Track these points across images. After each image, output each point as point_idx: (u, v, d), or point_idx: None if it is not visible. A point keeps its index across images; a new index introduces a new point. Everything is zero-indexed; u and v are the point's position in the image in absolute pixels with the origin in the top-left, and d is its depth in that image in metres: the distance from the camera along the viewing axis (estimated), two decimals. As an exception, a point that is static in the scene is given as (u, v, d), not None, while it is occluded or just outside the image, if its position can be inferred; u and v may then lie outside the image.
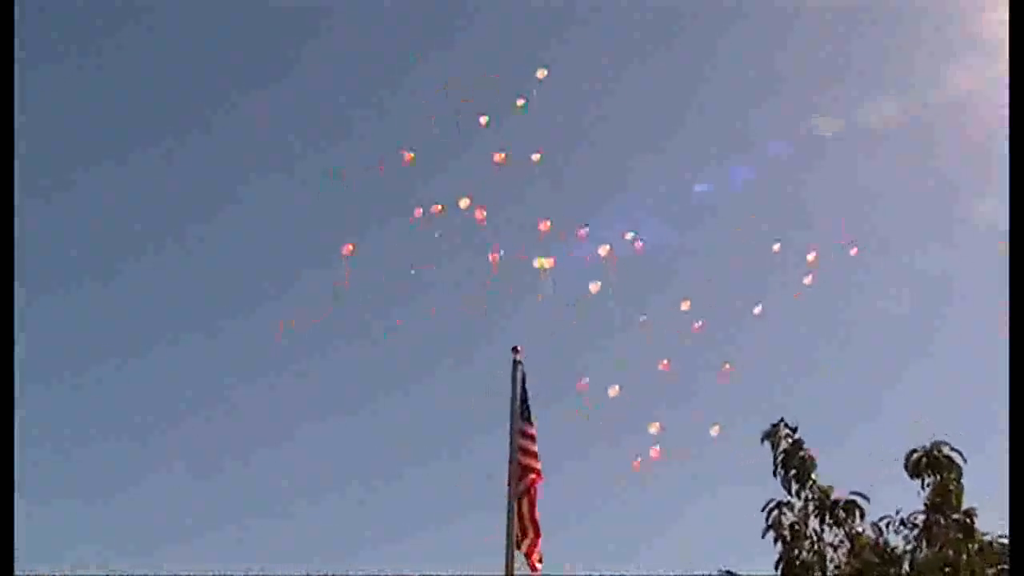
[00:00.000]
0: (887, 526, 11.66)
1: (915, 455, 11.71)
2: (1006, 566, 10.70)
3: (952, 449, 11.61)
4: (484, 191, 14.84)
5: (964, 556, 11.22)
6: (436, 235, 14.16)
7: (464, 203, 14.23)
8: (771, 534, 11.75)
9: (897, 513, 11.64)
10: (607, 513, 26.31)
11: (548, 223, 14.26)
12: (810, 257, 15.21)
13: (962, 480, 11.56)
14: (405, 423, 30.18)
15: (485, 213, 14.31)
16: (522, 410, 12.58)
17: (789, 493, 11.84)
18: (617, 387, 13.37)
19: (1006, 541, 10.89)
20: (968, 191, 29.40)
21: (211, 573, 17.24)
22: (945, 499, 11.49)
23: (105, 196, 33.42)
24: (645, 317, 14.90)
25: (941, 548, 11.32)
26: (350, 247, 14.57)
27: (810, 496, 11.81)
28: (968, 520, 11.40)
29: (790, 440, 11.98)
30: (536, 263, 13.94)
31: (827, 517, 11.69)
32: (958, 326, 30.19)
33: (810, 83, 30.01)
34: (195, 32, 32.03)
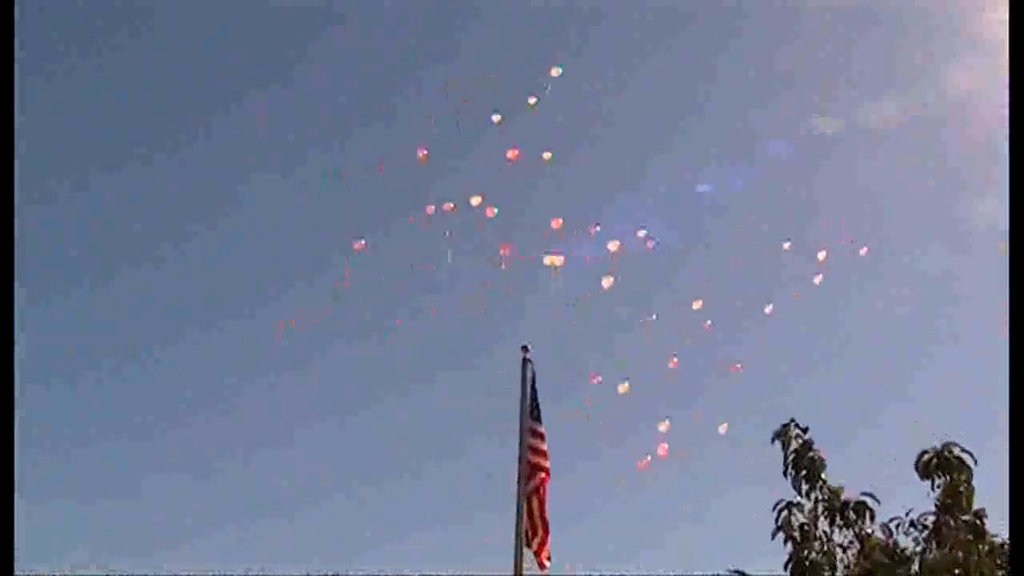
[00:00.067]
0: (897, 527, 11.66)
1: (925, 456, 11.72)
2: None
3: (963, 450, 11.63)
4: (491, 190, 14.86)
5: (974, 557, 11.22)
6: (446, 233, 14.17)
7: (476, 201, 14.24)
8: (781, 535, 11.76)
9: (907, 514, 11.64)
10: (614, 512, 26.41)
11: (560, 221, 14.28)
12: (820, 256, 15.23)
13: (972, 482, 11.58)
14: (406, 423, 30.20)
15: (495, 211, 14.32)
16: (532, 409, 12.62)
17: (799, 494, 11.84)
18: (627, 384, 13.40)
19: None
20: (968, 191, 29.48)
21: (211, 573, 17.26)
22: (955, 500, 11.48)
23: (105, 196, 33.44)
24: (655, 316, 14.91)
25: (951, 549, 11.31)
26: (362, 243, 14.55)
27: (820, 497, 11.81)
28: (978, 521, 11.40)
29: (800, 440, 11.99)
30: (547, 261, 13.96)
31: (837, 518, 11.69)
32: (960, 326, 30.28)
33: (810, 83, 30.09)
34: (195, 33, 32.03)
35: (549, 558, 12.31)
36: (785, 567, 11.67)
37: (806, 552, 11.62)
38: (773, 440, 12.04)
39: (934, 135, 28.10)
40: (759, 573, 11.89)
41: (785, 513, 11.77)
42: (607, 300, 14.61)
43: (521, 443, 12.44)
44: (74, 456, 30.94)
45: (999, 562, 11.13)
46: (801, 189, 26.11)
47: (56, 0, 31.54)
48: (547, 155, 14.68)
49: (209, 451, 32.33)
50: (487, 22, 31.95)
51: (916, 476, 11.76)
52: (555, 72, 15.01)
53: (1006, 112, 8.72)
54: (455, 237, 14.40)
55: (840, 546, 11.68)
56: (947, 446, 11.68)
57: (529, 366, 12.78)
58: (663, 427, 13.22)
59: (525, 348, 12.91)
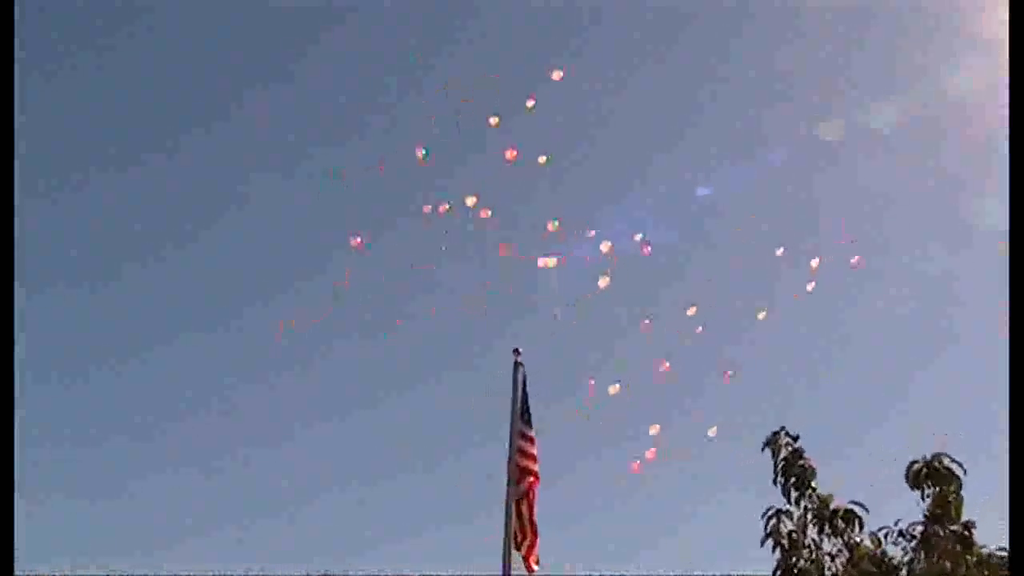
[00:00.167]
0: (886, 536, 11.64)
1: (915, 466, 11.70)
2: (1004, 579, 10.69)
3: (952, 460, 11.61)
4: (491, 190, 14.86)
5: (962, 568, 11.20)
6: (444, 232, 14.16)
7: (471, 201, 14.23)
8: (769, 542, 11.75)
9: (896, 524, 11.62)
10: (607, 514, 26.37)
11: (557, 223, 14.27)
12: (813, 263, 15.22)
13: (962, 492, 11.55)
14: (406, 423, 30.20)
15: (490, 213, 14.30)
16: (522, 412, 12.61)
17: (788, 501, 11.83)
18: (617, 385, 13.39)
19: (1004, 553, 10.89)
20: (968, 191, 29.39)
21: (211, 573, 17.28)
22: (944, 510, 11.47)
23: (105, 196, 33.48)
24: (648, 319, 14.90)
25: (939, 559, 11.29)
26: (359, 240, 14.54)
27: (809, 505, 11.79)
28: (967, 532, 11.39)
29: (790, 448, 11.97)
30: (541, 263, 13.94)
31: (826, 526, 11.67)
32: (960, 326, 30.23)
33: (810, 84, 30.05)
34: (196, 32, 32.00)
35: (538, 562, 12.30)
36: (774, 574, 11.67)
37: (795, 560, 11.60)
38: (763, 448, 12.04)
39: (934, 136, 28.03)
40: (748, 578, 11.92)
41: (774, 520, 11.76)
42: (605, 302, 14.61)
43: (511, 446, 12.43)
44: (74, 456, 30.97)
45: (987, 573, 11.11)
46: (801, 190, 26.11)
47: (56, 0, 31.55)
48: (542, 159, 14.65)
49: (209, 451, 32.39)
50: (487, 22, 31.93)
51: (906, 485, 11.74)
52: (557, 75, 14.99)
53: (1006, 112, 8.68)
54: (454, 237, 14.41)
55: (829, 555, 11.66)
56: (937, 456, 11.66)
57: (520, 369, 12.77)
58: (653, 431, 13.22)
59: (517, 351, 12.89)
